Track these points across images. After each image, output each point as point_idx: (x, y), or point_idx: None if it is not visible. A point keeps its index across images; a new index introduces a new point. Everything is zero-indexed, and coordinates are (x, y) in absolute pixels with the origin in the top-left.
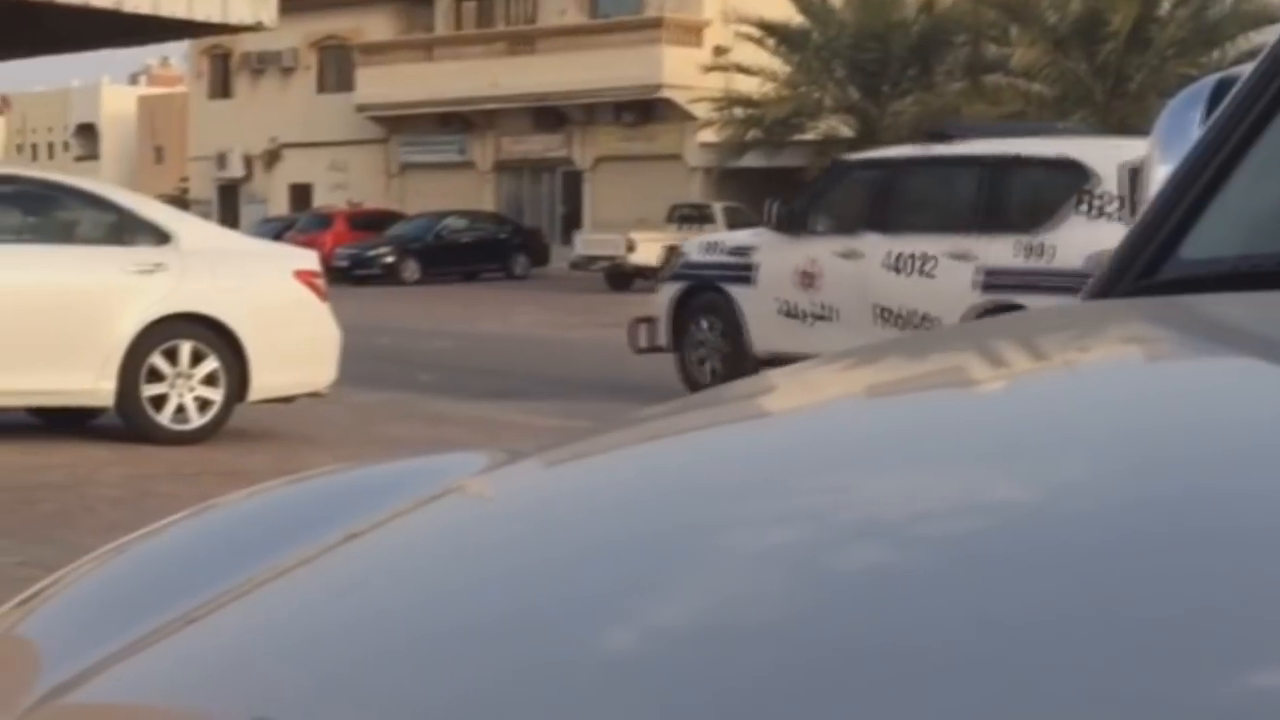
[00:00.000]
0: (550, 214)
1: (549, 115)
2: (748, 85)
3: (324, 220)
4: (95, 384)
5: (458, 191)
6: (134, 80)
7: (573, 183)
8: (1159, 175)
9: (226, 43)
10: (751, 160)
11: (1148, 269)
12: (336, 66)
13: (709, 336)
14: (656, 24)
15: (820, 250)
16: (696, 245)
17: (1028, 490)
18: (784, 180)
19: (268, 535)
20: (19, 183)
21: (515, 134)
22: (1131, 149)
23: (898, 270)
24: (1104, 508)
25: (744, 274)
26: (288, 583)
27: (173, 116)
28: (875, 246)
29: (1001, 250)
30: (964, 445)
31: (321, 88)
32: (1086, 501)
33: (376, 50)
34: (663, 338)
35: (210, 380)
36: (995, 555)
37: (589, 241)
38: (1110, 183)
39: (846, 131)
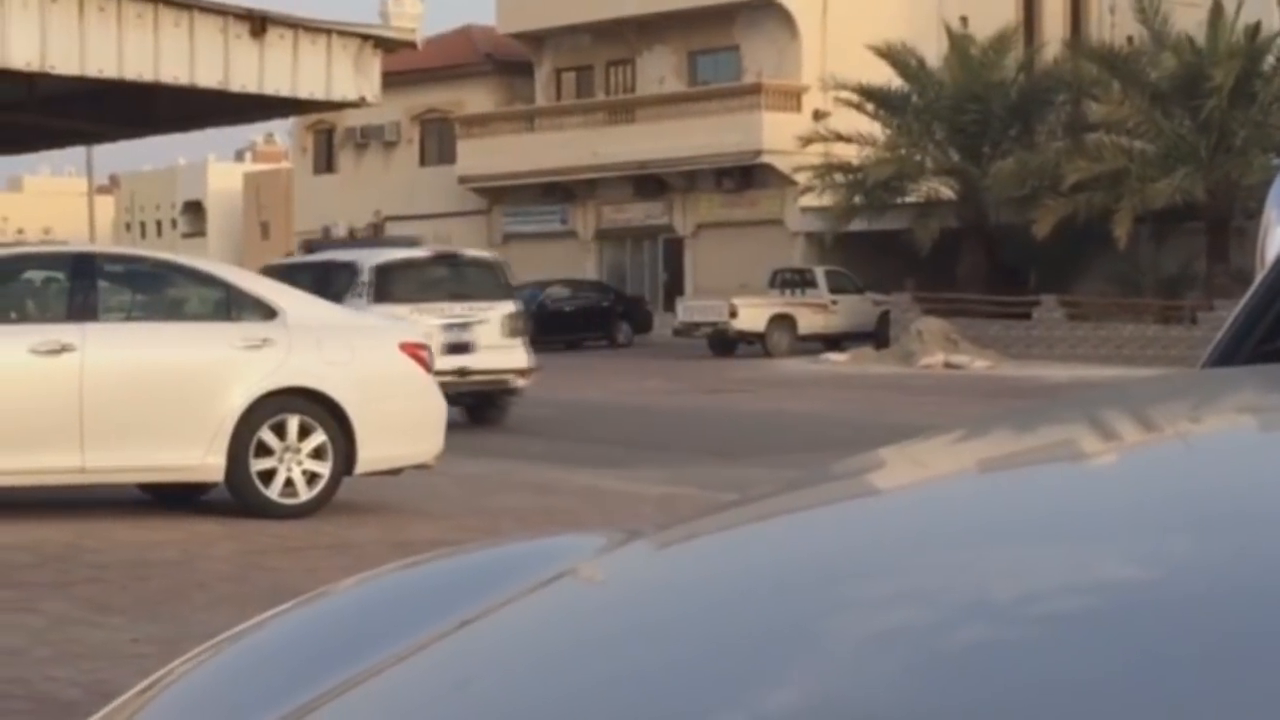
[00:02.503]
0: (652, 281)
1: (649, 183)
2: (847, 149)
3: None
4: (204, 459)
5: (560, 260)
6: (239, 157)
7: (674, 249)
8: (1276, 239)
9: (330, 118)
10: (852, 224)
11: (1269, 335)
12: (438, 139)
13: None
14: (755, 90)
15: None
16: None
17: (1139, 569)
18: (886, 244)
19: (382, 624)
20: (129, 261)
21: (616, 202)
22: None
23: None
24: (1217, 590)
25: None
26: (403, 674)
27: (278, 192)
28: None
29: None
30: (1075, 521)
31: (424, 160)
32: (1199, 583)
33: (477, 122)
34: None
35: (318, 454)
36: (1106, 637)
37: (691, 308)
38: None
39: (948, 193)
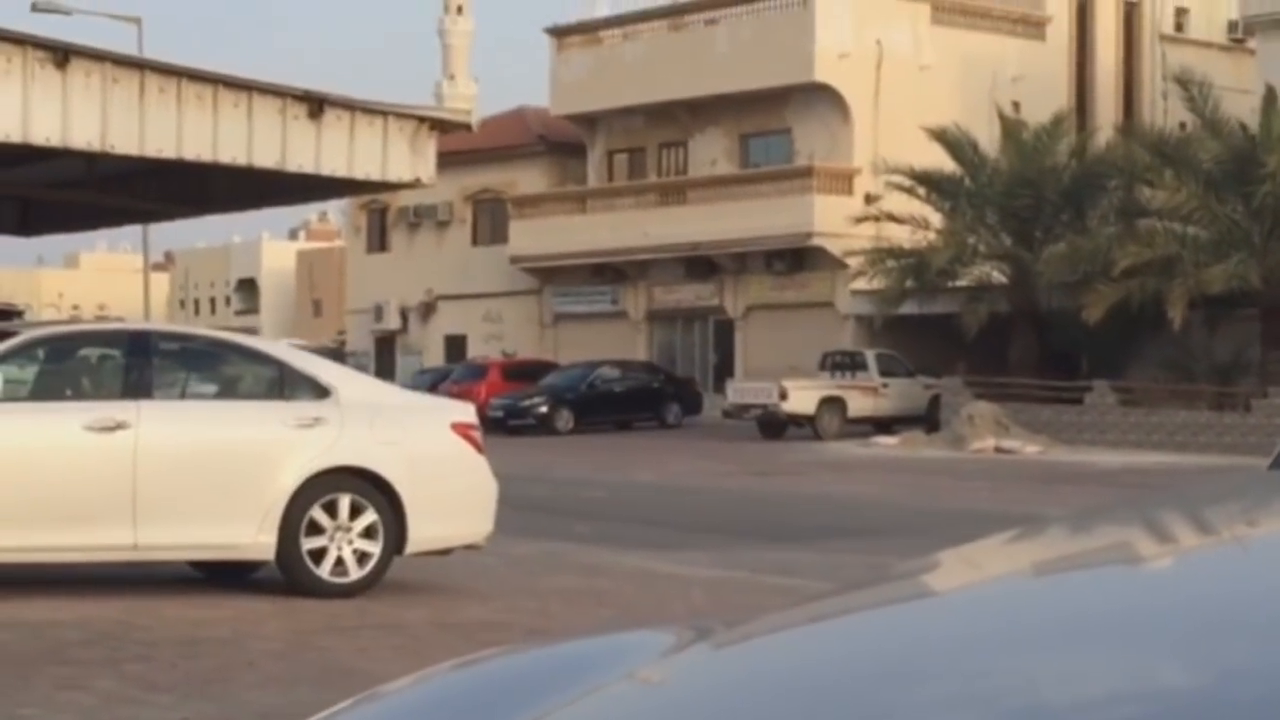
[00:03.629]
0: (702, 362)
1: (700, 264)
2: (898, 232)
3: (479, 371)
4: (256, 538)
5: (610, 341)
6: (293, 235)
7: (724, 331)
8: None
9: (384, 198)
10: (903, 307)
11: None
12: (491, 219)
13: None
14: (807, 173)
15: None
16: None
17: (1192, 676)
18: (935, 326)
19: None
20: (184, 340)
21: (667, 283)
22: None
23: None
24: (1270, 697)
25: None
26: None
27: (331, 270)
28: None
29: None
30: (1128, 626)
31: (476, 240)
32: (1255, 690)
33: (530, 203)
34: None
35: (369, 533)
36: None
37: (741, 390)
38: None
39: (999, 277)
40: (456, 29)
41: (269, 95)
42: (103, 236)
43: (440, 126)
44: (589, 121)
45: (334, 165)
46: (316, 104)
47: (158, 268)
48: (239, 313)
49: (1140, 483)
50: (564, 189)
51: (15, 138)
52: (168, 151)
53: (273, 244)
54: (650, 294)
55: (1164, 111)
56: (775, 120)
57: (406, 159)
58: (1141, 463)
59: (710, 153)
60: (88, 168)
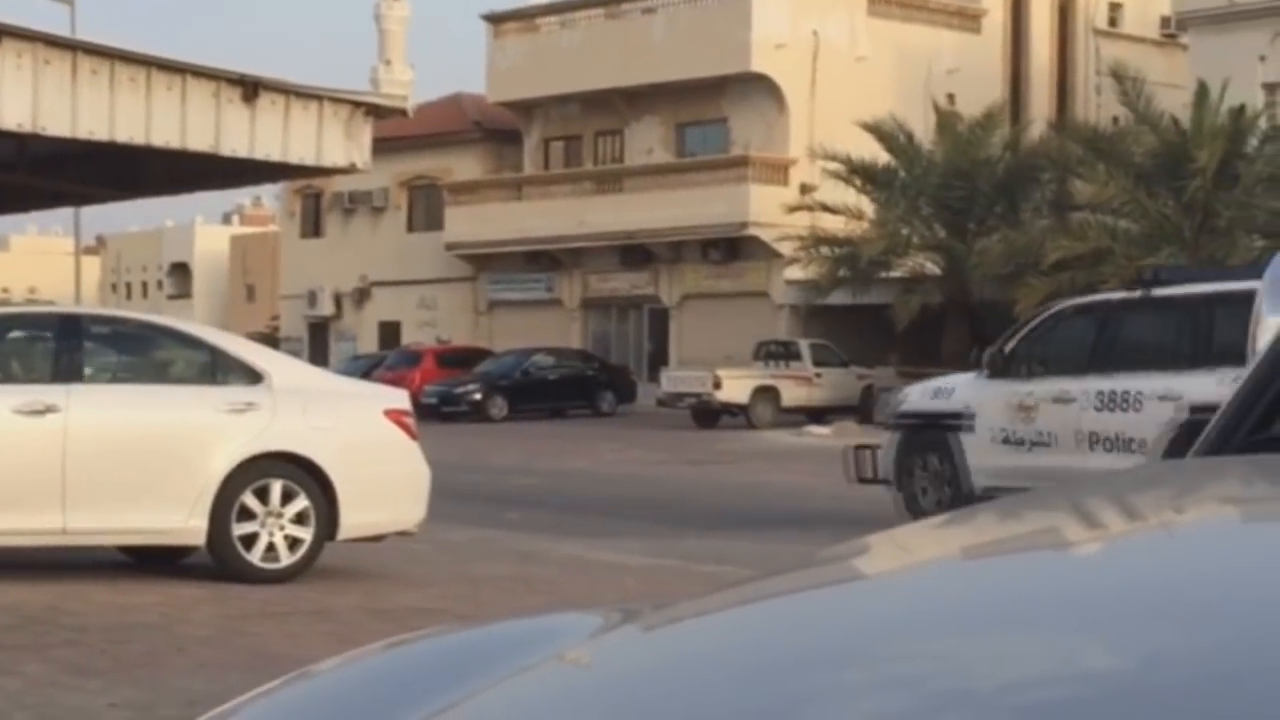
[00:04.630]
0: (637, 351)
1: (636, 253)
2: (833, 223)
3: (413, 358)
4: (186, 522)
5: (545, 329)
6: (227, 220)
7: (659, 320)
8: (1269, 326)
9: (318, 183)
10: (837, 297)
11: (1260, 423)
12: (426, 205)
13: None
14: (743, 162)
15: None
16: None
17: (1120, 659)
18: (870, 316)
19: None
20: (115, 323)
21: (602, 271)
22: None
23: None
24: (1197, 680)
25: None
26: None
27: (265, 255)
28: None
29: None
30: (1057, 611)
31: (411, 226)
32: (1179, 673)
33: (465, 190)
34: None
35: (300, 519)
36: None
37: (675, 379)
38: None
39: (932, 269)
40: (393, 14)
41: (203, 78)
42: (33, 219)
43: (376, 112)
44: (525, 109)
45: (268, 149)
46: (251, 87)
47: (89, 251)
48: (171, 297)
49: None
50: (500, 176)
51: None
52: (100, 134)
53: (206, 228)
54: (585, 282)
55: (1097, 106)
56: (712, 109)
57: (341, 144)
58: None
59: (646, 141)
60: (18, 149)
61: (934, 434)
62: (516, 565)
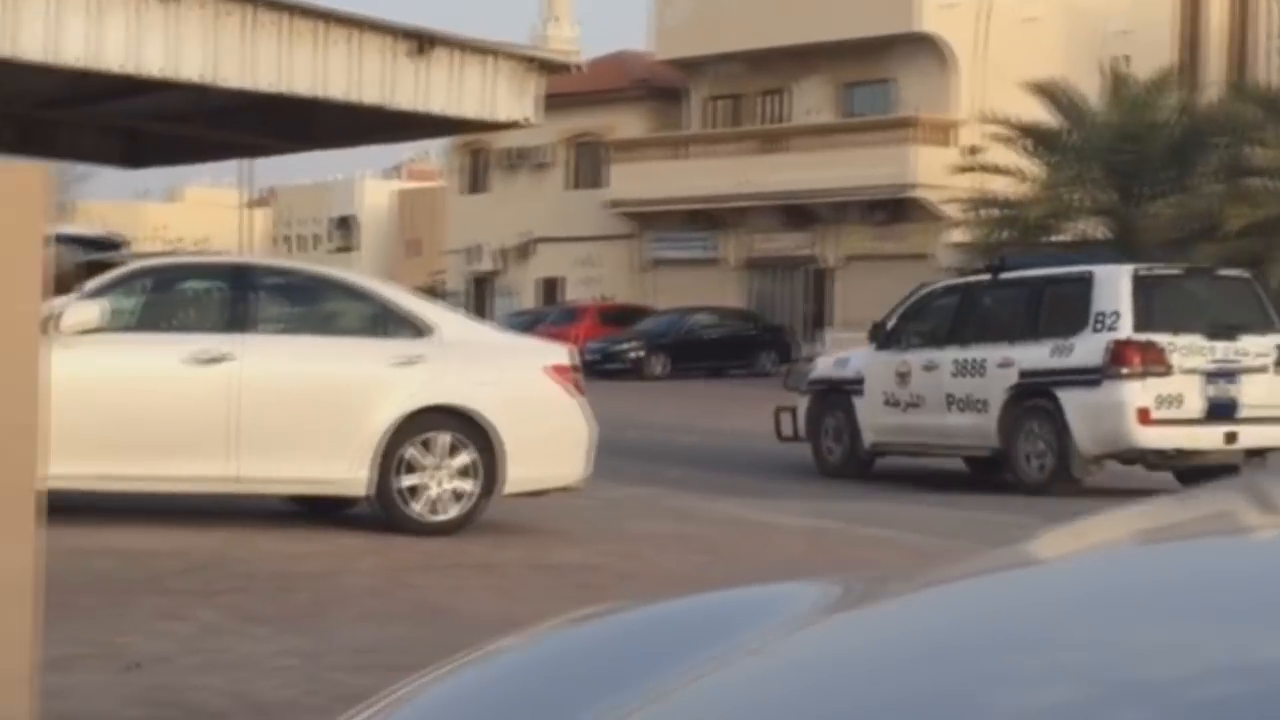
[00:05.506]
0: (796, 311)
1: (798, 213)
2: (999, 185)
3: (574, 314)
4: (352, 474)
5: (706, 287)
6: (391, 174)
7: (819, 281)
8: None
9: (483, 139)
10: None
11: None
12: (589, 163)
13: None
14: (909, 123)
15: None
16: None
17: None
18: None
19: (605, 668)
20: (287, 274)
21: (764, 231)
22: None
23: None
24: None
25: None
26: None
27: (428, 210)
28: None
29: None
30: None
31: (574, 183)
32: None
33: (629, 147)
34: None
35: (464, 473)
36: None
37: (838, 339)
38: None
39: (1102, 233)
40: None
41: (377, 32)
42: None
43: (546, 68)
44: (690, 67)
45: (439, 104)
46: (424, 42)
47: (259, 204)
48: (336, 250)
49: None
50: (663, 134)
51: (127, 69)
52: (276, 86)
53: (372, 183)
54: (747, 241)
55: (1275, 69)
56: (877, 69)
57: (512, 99)
58: None
59: (811, 101)
60: (195, 101)
61: (836, 397)
62: (675, 523)
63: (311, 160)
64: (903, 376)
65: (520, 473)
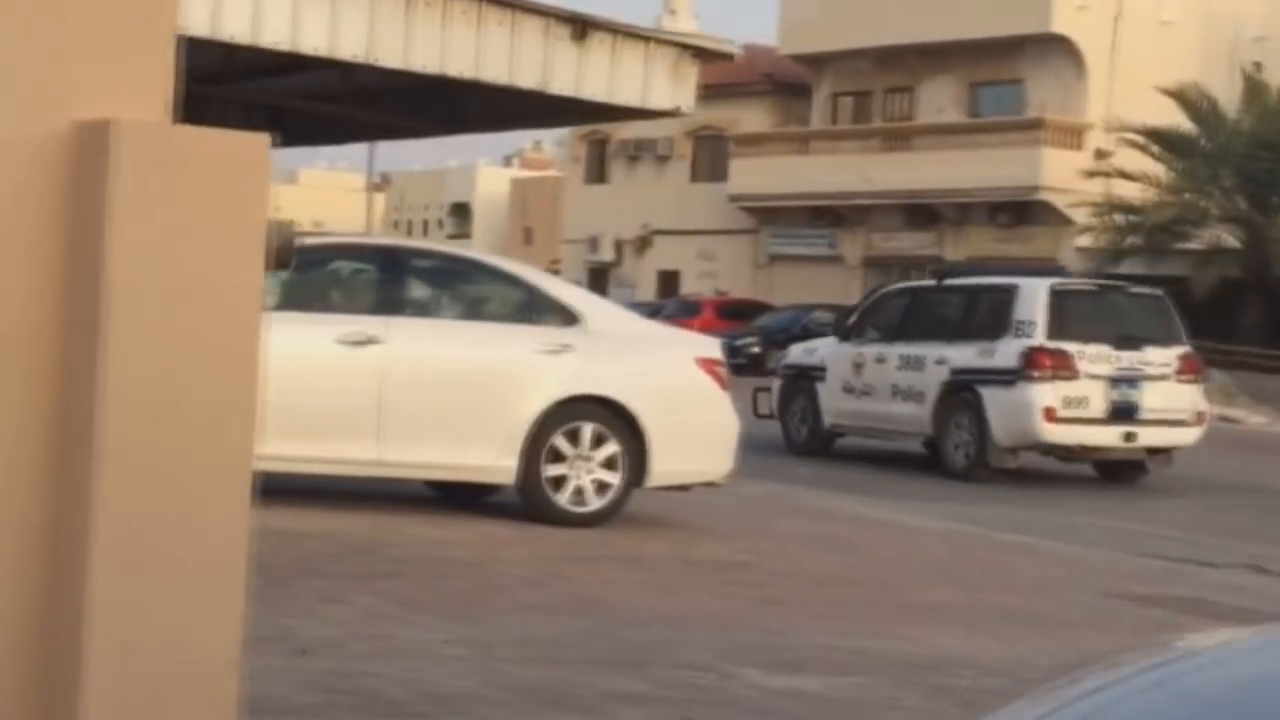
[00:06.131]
0: None
1: (921, 213)
2: (1129, 191)
3: (692, 307)
4: (497, 461)
5: (825, 285)
6: (507, 163)
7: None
8: None
9: (604, 129)
10: (1131, 267)
11: None
12: (711, 156)
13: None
14: (1037, 125)
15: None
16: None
17: None
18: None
19: None
20: (436, 258)
21: (886, 230)
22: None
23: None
24: None
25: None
26: None
27: (543, 199)
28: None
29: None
30: None
31: (695, 176)
32: None
33: (751, 142)
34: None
35: (609, 464)
36: None
37: None
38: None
39: (1232, 242)
40: None
41: (534, 14)
42: (323, 154)
43: (702, 55)
44: (815, 62)
45: (595, 90)
46: (581, 26)
47: (375, 188)
48: (450, 236)
49: None
50: (787, 129)
51: (285, 46)
52: (432, 67)
53: (488, 170)
54: (868, 239)
55: None
56: (1007, 70)
57: (668, 87)
58: None
59: (938, 100)
60: (342, 81)
61: (804, 382)
62: (812, 522)
63: (426, 146)
64: (858, 366)
65: (666, 465)
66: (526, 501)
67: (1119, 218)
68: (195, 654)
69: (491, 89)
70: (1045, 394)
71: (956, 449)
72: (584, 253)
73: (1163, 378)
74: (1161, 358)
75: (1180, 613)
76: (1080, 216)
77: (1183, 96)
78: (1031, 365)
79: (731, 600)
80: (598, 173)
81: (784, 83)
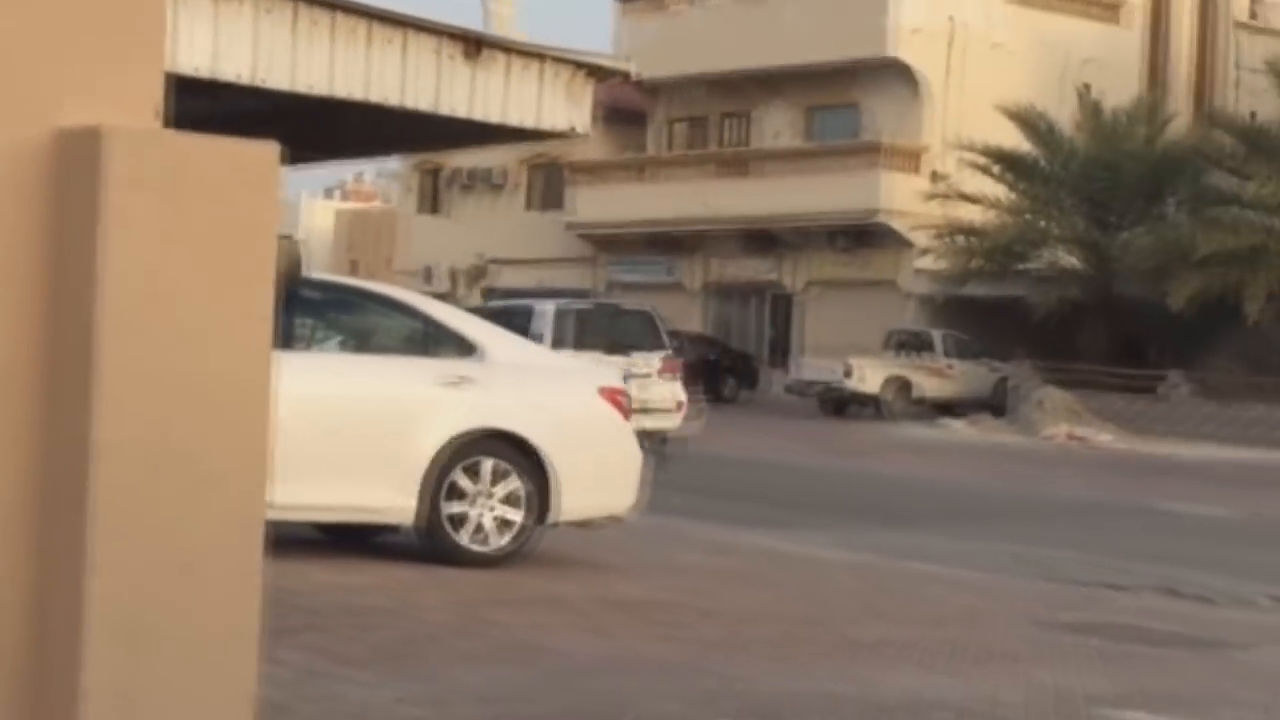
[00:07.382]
0: (758, 337)
1: (760, 238)
2: (968, 212)
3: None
4: (395, 501)
5: (666, 312)
6: (329, 195)
7: (782, 306)
8: None
9: (437, 158)
10: (971, 288)
11: None
12: (546, 185)
13: None
14: (874, 149)
15: None
16: None
17: None
18: (1000, 310)
19: None
20: (327, 289)
21: (725, 256)
22: None
23: None
24: None
25: None
26: None
27: (369, 231)
28: None
29: None
30: None
31: (531, 205)
32: None
33: (588, 169)
34: None
35: (510, 500)
36: None
37: (806, 366)
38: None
39: (1072, 261)
40: None
41: (425, 33)
42: None
43: (598, 74)
44: (651, 89)
45: (487, 110)
46: (474, 44)
47: None
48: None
49: (1239, 478)
50: (623, 157)
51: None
52: (319, 88)
53: (311, 202)
54: (708, 266)
55: (1235, 100)
56: (843, 95)
57: (562, 107)
58: (1218, 456)
59: (775, 125)
60: (210, 105)
61: None
62: (712, 555)
63: None
64: None
65: (571, 501)
66: (428, 542)
67: (960, 240)
68: None
69: (374, 109)
70: None
71: None
72: (418, 283)
73: (648, 376)
74: (646, 361)
75: (1117, 641)
76: (921, 239)
77: (1022, 117)
78: None
79: (671, 643)
80: (431, 203)
81: (618, 109)
